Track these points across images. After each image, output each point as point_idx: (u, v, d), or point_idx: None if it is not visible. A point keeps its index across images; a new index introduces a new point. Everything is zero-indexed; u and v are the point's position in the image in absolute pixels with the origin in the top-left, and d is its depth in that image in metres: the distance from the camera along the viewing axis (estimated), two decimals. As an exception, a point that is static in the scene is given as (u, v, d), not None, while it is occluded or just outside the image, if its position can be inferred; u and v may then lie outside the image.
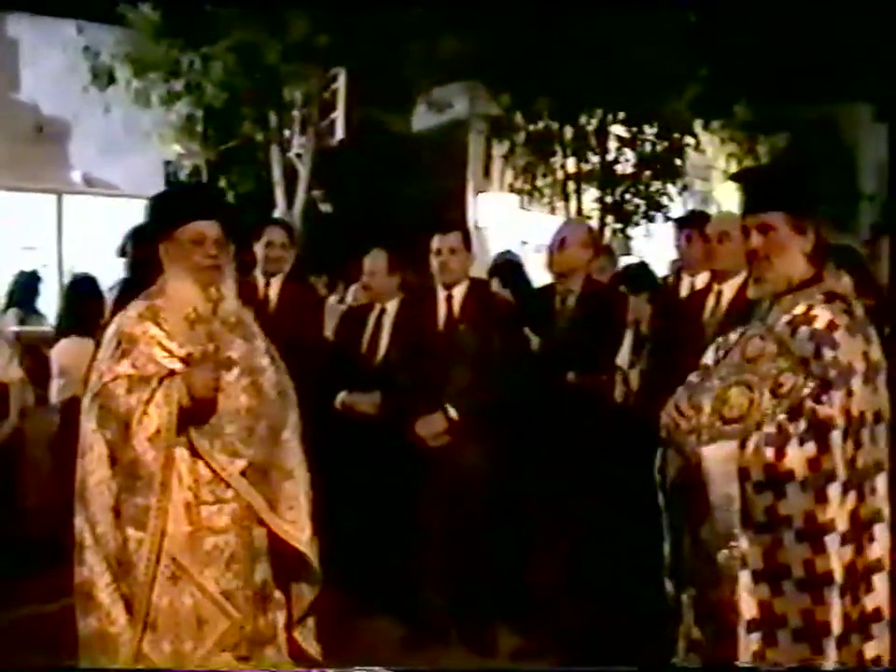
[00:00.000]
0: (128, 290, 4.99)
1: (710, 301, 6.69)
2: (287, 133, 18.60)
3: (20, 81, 18.74)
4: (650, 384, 6.92)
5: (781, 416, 4.07)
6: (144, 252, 4.99)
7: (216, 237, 4.77)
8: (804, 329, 4.15)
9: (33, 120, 18.88)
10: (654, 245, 22.09)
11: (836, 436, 4.02)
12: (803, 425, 4.05)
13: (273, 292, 8.11)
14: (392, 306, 7.80)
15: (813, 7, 19.12)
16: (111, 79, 17.74)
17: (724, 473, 4.15)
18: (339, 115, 18.62)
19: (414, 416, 6.95)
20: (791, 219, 4.30)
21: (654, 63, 19.05)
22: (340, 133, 18.72)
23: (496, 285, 8.86)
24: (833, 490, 4.02)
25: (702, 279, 7.18)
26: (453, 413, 6.91)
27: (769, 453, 4.08)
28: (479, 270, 9.20)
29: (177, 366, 4.62)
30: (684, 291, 7.52)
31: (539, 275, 9.27)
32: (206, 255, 4.74)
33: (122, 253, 9.58)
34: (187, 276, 4.73)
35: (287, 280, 8.19)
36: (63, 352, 8.57)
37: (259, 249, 8.11)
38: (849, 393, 4.05)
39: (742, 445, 4.12)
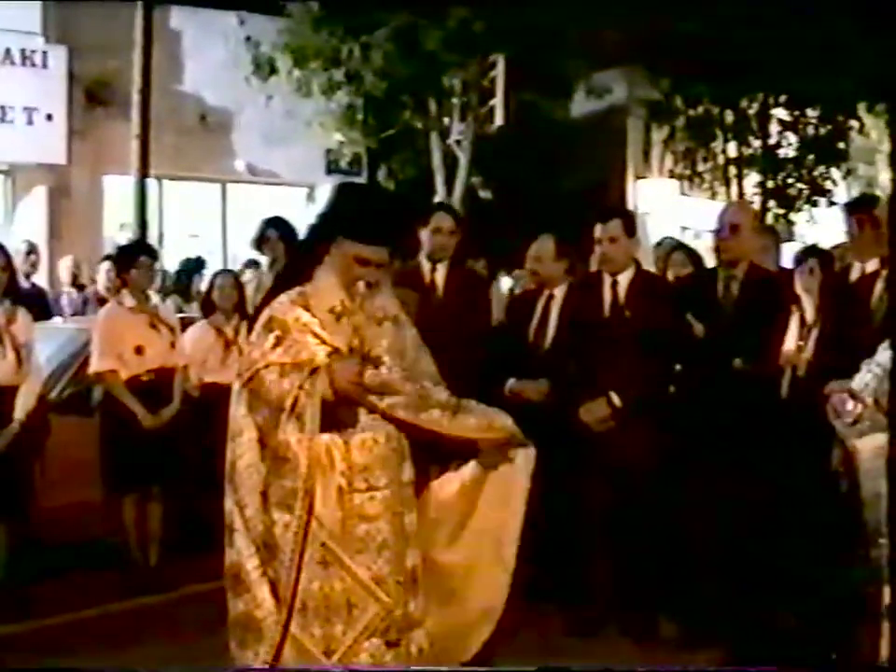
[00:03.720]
0: (285, 277, 4.96)
1: (879, 286, 6.56)
2: (446, 120, 18.66)
3: (183, 73, 19.07)
4: (817, 371, 6.78)
5: None
6: (310, 242, 4.95)
7: (380, 261, 4.76)
8: None
9: (197, 111, 19.20)
10: (818, 231, 21.69)
11: None
12: None
13: (440, 277, 8.13)
14: (560, 292, 7.77)
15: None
16: (272, 70, 17.98)
17: (874, 468, 4.01)
18: (498, 101, 18.62)
19: (579, 403, 6.93)
20: None
21: (817, 46, 18.68)
22: (499, 119, 18.72)
23: (679, 257, 8.78)
24: None
25: (872, 264, 7.03)
26: (616, 400, 6.88)
27: None
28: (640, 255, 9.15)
29: (327, 354, 4.65)
30: (854, 276, 7.36)
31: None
32: (366, 275, 4.74)
33: (257, 245, 9.72)
34: (338, 279, 4.74)
35: (453, 265, 8.22)
36: (188, 339, 8.77)
37: (425, 235, 8.13)
38: None
39: (893, 438, 3.97)
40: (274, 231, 9.50)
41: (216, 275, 9.60)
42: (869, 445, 4.05)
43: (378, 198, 5.15)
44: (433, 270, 8.13)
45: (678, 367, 7.28)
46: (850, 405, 4.20)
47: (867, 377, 4.21)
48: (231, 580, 4.71)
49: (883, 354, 4.20)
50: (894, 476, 3.85)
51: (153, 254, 8.93)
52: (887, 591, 3.99)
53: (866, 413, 4.12)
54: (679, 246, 9.11)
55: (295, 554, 4.55)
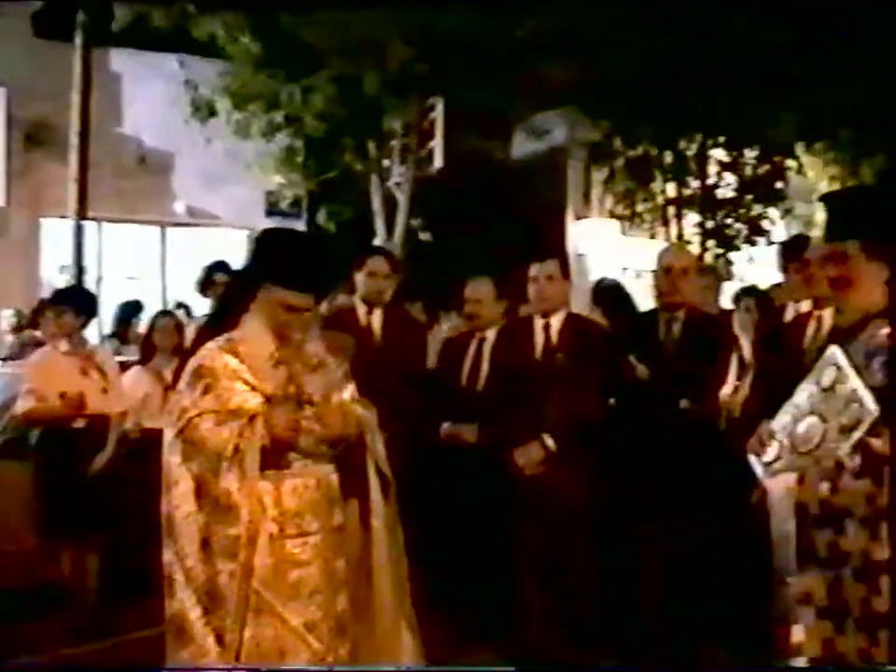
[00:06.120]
0: (212, 324, 4.98)
1: (811, 326, 6.61)
2: (386, 162, 18.68)
3: (123, 115, 19.04)
4: (751, 411, 6.82)
5: (844, 449, 3.92)
6: (236, 288, 4.98)
7: (307, 306, 4.77)
8: (878, 359, 3.97)
9: (136, 153, 19.19)
10: (757, 270, 21.85)
11: (889, 471, 3.80)
12: (858, 459, 3.89)
13: (377, 321, 8.10)
14: (491, 335, 7.77)
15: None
16: (212, 112, 17.94)
17: (783, 507, 4.04)
18: (437, 144, 18.69)
19: (513, 445, 6.94)
20: (866, 248, 4.10)
21: (755, 87, 18.86)
22: (438, 161, 18.77)
23: (598, 314, 8.75)
24: (887, 529, 3.82)
25: (806, 304, 7.08)
26: (550, 442, 6.89)
27: (824, 487, 3.94)
28: (579, 296, 9.16)
29: (259, 400, 4.65)
30: (789, 316, 7.42)
31: (640, 301, 9.19)
32: (293, 321, 4.74)
33: (202, 289, 9.60)
34: (266, 325, 4.75)
35: (389, 308, 8.19)
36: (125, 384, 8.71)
37: (361, 279, 8.11)
38: None
39: (801, 479, 4.00)
40: (223, 273, 9.33)
41: (157, 317, 9.54)
42: (780, 485, 4.08)
43: (304, 244, 5.12)
44: (369, 313, 8.10)
45: (615, 408, 7.31)
46: (769, 445, 4.24)
47: (785, 418, 4.24)
48: (174, 630, 4.65)
49: (800, 395, 4.23)
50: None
51: (79, 299, 8.77)
52: (808, 634, 4.00)
53: (782, 454, 4.15)
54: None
55: (241, 602, 4.53)
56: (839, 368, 4.06)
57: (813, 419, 4.09)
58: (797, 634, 4.05)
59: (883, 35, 18.25)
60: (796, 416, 4.18)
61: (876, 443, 3.87)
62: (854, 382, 3.98)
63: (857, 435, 3.90)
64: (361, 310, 8.10)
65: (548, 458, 6.92)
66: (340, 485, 4.85)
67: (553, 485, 6.86)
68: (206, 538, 4.57)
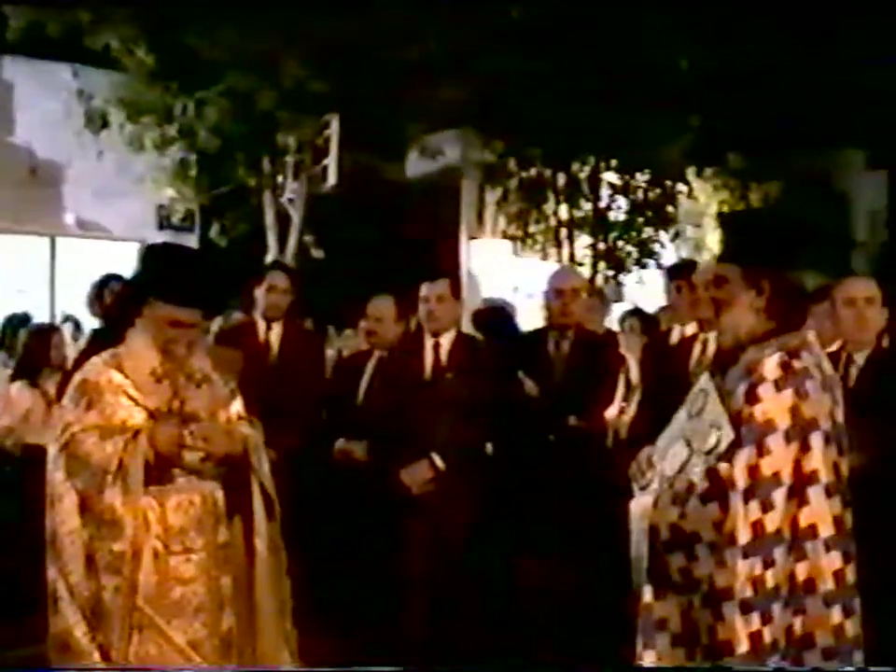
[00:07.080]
0: (98, 338, 4.96)
1: (696, 349, 6.71)
2: (279, 178, 18.56)
3: (14, 124, 18.76)
4: (638, 432, 6.89)
5: (700, 474, 3.94)
6: (122, 303, 4.96)
7: (193, 322, 4.75)
8: (742, 385, 4.01)
9: (27, 163, 18.87)
10: (646, 292, 22.05)
11: (735, 496, 3.85)
12: (706, 483, 3.95)
13: (275, 336, 8.10)
14: (385, 353, 7.79)
15: (804, 54, 19.19)
16: (105, 123, 17.72)
17: (639, 530, 4.06)
18: (331, 161, 18.58)
19: (400, 464, 6.94)
20: (744, 273, 4.15)
21: (647, 111, 19.06)
22: (332, 179, 18.68)
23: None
24: (732, 555, 3.85)
25: (692, 327, 7.18)
26: (439, 461, 6.90)
27: (674, 512, 3.98)
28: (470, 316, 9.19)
29: (143, 416, 4.64)
30: (675, 339, 7.52)
31: (532, 321, 9.26)
32: (179, 336, 4.73)
33: (97, 300, 9.45)
34: (151, 340, 4.71)
35: (288, 324, 8.19)
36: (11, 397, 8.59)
37: (260, 294, 8.10)
38: (761, 452, 3.88)
39: (656, 502, 4.03)
40: (117, 283, 9.17)
41: (35, 331, 9.38)
42: (639, 507, 4.11)
43: (189, 259, 5.10)
44: (268, 329, 8.11)
45: (503, 425, 7.33)
46: (647, 471, 4.28)
47: (661, 444, 4.29)
48: (59, 647, 4.63)
49: (674, 421, 4.28)
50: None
51: None
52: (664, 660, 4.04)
53: (655, 478, 4.19)
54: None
55: (126, 618, 4.51)
56: (707, 393, 4.11)
57: (680, 444, 4.13)
58: (648, 658, 4.06)
59: (775, 61, 18.65)
60: (669, 441, 4.23)
61: (723, 468, 3.90)
62: (717, 408, 4.02)
63: (713, 459, 3.94)
64: (261, 325, 8.11)
65: (436, 477, 6.93)
66: (225, 503, 4.84)
67: (440, 504, 6.87)
68: (91, 553, 4.57)
